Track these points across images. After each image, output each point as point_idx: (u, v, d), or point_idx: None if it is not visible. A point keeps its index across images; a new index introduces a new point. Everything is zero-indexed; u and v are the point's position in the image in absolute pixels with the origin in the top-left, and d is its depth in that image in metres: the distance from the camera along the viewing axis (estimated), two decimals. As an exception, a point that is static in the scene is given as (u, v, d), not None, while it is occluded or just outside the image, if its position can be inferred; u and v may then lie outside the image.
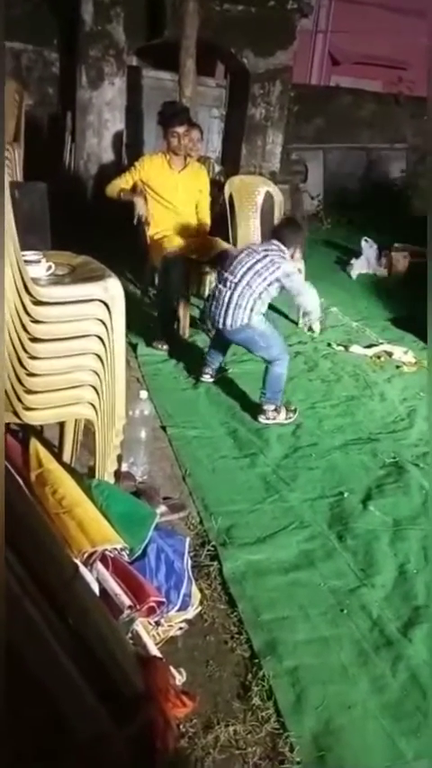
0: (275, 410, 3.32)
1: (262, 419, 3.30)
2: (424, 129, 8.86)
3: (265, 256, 3.26)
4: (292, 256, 3.39)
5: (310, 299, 3.42)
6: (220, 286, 3.34)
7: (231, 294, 3.25)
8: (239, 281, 3.24)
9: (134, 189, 4.33)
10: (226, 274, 3.32)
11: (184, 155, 4.28)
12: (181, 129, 4.09)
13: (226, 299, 3.27)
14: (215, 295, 3.38)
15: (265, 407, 3.32)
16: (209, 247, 4.30)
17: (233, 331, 3.31)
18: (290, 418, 3.34)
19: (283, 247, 3.31)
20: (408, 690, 1.87)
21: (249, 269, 3.24)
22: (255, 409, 3.38)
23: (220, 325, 3.34)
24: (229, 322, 3.27)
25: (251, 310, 3.24)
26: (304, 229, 3.49)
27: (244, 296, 3.23)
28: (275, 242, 3.34)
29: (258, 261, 3.25)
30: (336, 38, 12.52)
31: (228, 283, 3.28)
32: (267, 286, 3.23)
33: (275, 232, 3.48)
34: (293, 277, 3.30)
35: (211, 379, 3.70)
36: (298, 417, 3.38)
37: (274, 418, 3.31)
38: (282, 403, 3.36)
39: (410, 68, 11.29)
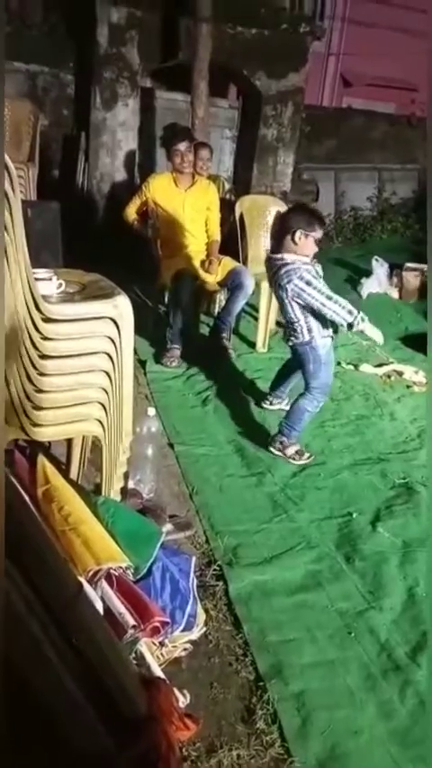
0: (282, 444, 3.14)
1: (271, 447, 3.16)
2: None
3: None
4: (294, 239, 2.93)
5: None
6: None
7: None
8: None
9: (145, 211, 4.38)
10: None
11: (192, 173, 4.31)
12: (183, 147, 4.12)
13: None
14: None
15: (278, 437, 3.16)
16: (219, 266, 4.32)
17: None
18: (294, 459, 3.11)
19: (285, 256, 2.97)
20: (416, 716, 1.84)
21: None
22: (262, 428, 3.37)
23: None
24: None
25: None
26: (316, 213, 3.07)
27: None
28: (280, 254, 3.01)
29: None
30: (348, 60, 12.66)
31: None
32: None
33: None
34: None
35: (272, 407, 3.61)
36: (306, 436, 3.32)
37: (281, 450, 3.13)
38: (296, 440, 3.17)
39: (423, 90, 11.35)
